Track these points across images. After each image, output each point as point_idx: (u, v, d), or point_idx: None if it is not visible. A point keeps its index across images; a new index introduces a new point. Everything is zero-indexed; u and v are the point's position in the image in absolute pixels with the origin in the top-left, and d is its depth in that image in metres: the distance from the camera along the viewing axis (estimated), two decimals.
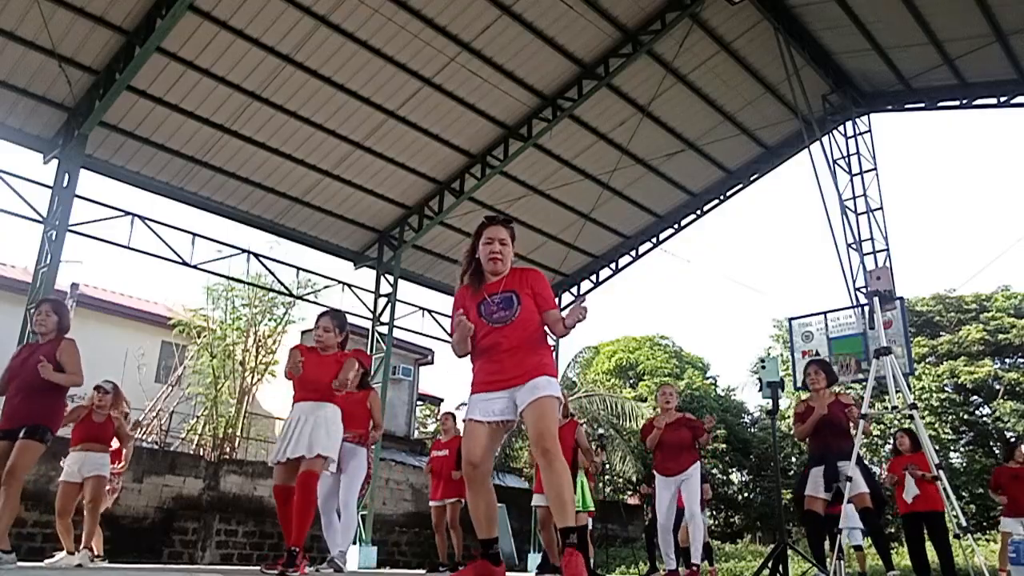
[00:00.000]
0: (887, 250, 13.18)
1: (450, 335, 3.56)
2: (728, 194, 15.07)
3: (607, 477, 20.54)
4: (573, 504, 3.17)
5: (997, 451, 18.20)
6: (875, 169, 13.67)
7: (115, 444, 6.59)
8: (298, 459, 4.56)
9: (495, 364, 3.30)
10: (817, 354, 10.29)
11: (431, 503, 7.94)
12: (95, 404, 6.23)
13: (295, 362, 4.64)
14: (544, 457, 3.12)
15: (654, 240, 15.52)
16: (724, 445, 21.81)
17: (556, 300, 3.57)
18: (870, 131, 13.87)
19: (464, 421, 3.37)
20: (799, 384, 10.94)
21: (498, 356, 3.31)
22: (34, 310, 5.42)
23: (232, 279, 13.16)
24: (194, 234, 11.42)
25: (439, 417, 8.67)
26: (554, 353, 3.61)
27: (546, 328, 3.44)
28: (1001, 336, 20.06)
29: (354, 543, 10.79)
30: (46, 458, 9.34)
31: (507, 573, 3.33)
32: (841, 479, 5.38)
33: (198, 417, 14.84)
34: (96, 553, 6.43)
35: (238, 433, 14.86)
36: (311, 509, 4.60)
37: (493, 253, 3.43)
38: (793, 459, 21.88)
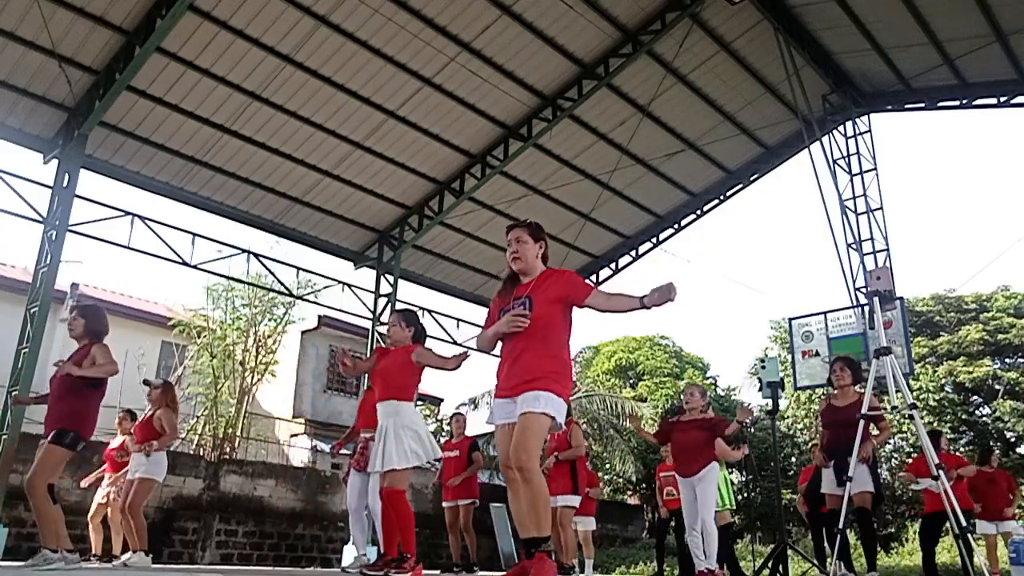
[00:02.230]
0: (887, 250, 13.18)
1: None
2: (728, 194, 15.08)
3: (607, 477, 20.56)
4: (546, 517, 3.19)
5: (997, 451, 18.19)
6: (875, 169, 13.67)
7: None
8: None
9: (506, 370, 3.36)
10: (817, 354, 10.28)
11: (444, 503, 7.93)
12: (148, 399, 6.43)
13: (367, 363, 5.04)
14: (519, 473, 3.15)
15: (654, 240, 15.52)
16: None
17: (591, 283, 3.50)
18: (870, 131, 13.87)
19: (488, 423, 3.46)
20: (799, 384, 10.97)
21: (510, 362, 3.35)
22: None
23: (232, 279, 13.16)
24: (194, 234, 11.42)
25: (451, 419, 8.64)
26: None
27: (571, 325, 3.44)
28: (1001, 336, 20.05)
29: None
30: None
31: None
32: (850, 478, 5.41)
33: (198, 417, 14.83)
34: (95, 552, 6.50)
35: (238, 433, 14.86)
36: (406, 520, 4.80)
37: (512, 254, 3.48)
38: (793, 459, 21.86)
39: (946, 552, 11.27)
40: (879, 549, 13.67)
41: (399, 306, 13.47)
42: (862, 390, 5.96)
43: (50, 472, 4.82)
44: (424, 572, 7.95)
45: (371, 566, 5.02)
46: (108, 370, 4.85)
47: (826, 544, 6.89)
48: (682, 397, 6.80)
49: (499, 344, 3.49)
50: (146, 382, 6.48)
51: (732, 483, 6.97)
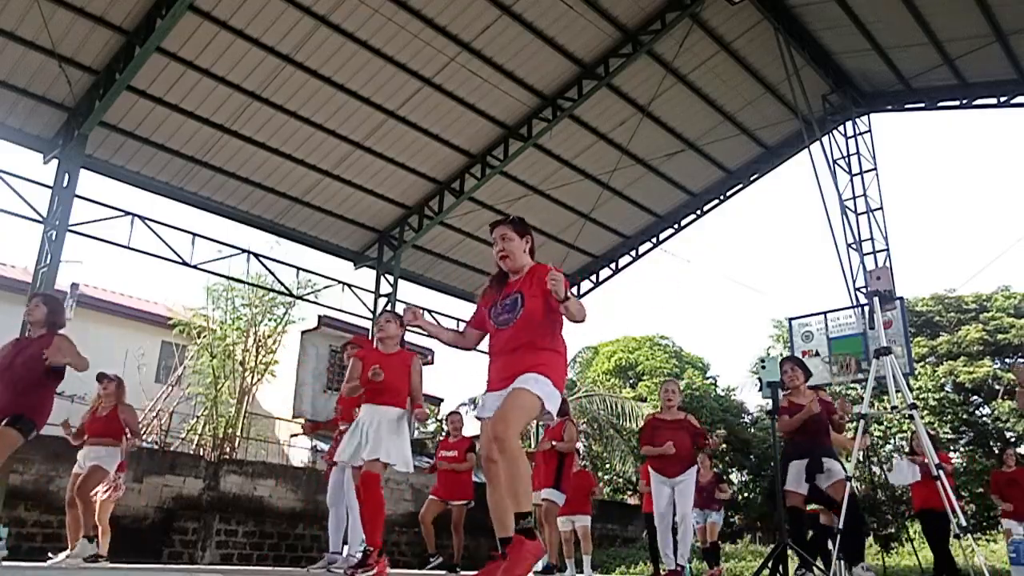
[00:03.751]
0: (887, 250, 13.18)
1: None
2: (728, 194, 15.08)
3: (607, 477, 20.56)
4: (527, 493, 3.05)
5: (997, 451, 18.21)
6: (875, 169, 13.68)
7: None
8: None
9: (499, 364, 3.33)
10: (817, 354, 10.30)
11: (431, 497, 7.91)
12: (101, 394, 6.30)
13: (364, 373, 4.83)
14: (496, 443, 3.03)
15: (654, 240, 15.52)
16: (724, 445, 21.79)
17: (572, 288, 3.43)
18: (870, 131, 13.88)
19: (476, 419, 3.40)
20: None
21: (503, 357, 3.32)
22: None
23: (232, 279, 13.16)
24: (194, 234, 11.43)
25: (446, 418, 8.64)
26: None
27: (562, 320, 3.36)
28: (1001, 336, 20.06)
29: None
30: (47, 458, 9.37)
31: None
32: (824, 473, 5.42)
33: (198, 417, 14.82)
34: (100, 553, 6.45)
35: (238, 433, 14.84)
36: (379, 509, 4.75)
37: (499, 252, 3.44)
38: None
39: None
40: (879, 549, 13.69)
41: (399, 307, 13.48)
42: (812, 387, 6.05)
43: (2, 455, 4.75)
44: (426, 572, 7.95)
45: (356, 566, 4.98)
46: (82, 364, 4.78)
47: (831, 545, 6.86)
48: (660, 395, 6.79)
49: (485, 340, 3.48)
50: (100, 376, 6.35)
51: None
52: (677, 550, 6.57)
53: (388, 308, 4.85)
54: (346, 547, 6.06)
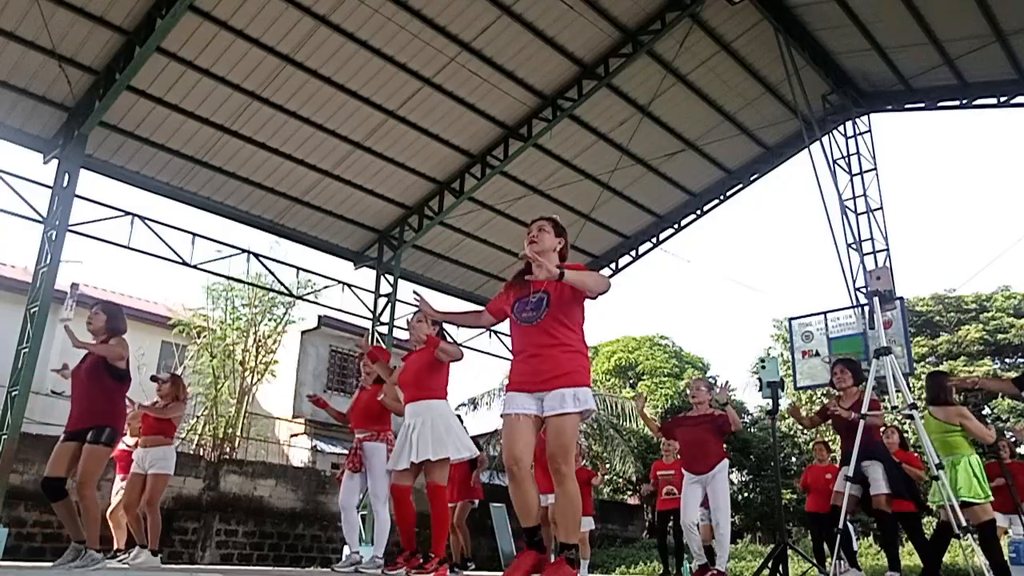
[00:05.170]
0: (887, 250, 13.17)
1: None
2: (728, 194, 15.07)
3: (607, 477, 20.55)
4: (577, 527, 3.24)
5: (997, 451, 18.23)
6: (875, 169, 13.67)
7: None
8: (416, 464, 4.74)
9: (527, 365, 3.34)
10: (817, 354, 10.29)
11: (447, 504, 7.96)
12: (158, 394, 6.42)
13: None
14: (556, 476, 3.18)
15: (654, 240, 15.52)
16: (724, 445, 21.81)
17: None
18: (870, 131, 13.86)
19: (501, 417, 3.40)
20: (799, 384, 10.98)
21: (529, 358, 3.33)
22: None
23: (232, 279, 13.16)
24: (194, 234, 11.43)
25: None
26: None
27: (584, 319, 3.44)
28: (1001, 336, 20.09)
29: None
30: (47, 458, 9.37)
31: None
32: (867, 477, 5.42)
33: (198, 417, 14.83)
34: (118, 547, 6.55)
35: (238, 433, 14.86)
36: (444, 519, 4.86)
37: (530, 239, 3.46)
38: (793, 459, 21.88)
39: (946, 552, 11.23)
40: (879, 549, 13.67)
41: (399, 307, 13.48)
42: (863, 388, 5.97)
43: (97, 473, 4.87)
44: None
45: (415, 567, 5.01)
46: (113, 350, 4.93)
47: (825, 544, 6.88)
48: (688, 391, 6.79)
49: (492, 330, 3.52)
50: (154, 378, 6.53)
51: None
52: (716, 555, 6.46)
53: (417, 312, 4.88)
54: (366, 548, 6.10)
